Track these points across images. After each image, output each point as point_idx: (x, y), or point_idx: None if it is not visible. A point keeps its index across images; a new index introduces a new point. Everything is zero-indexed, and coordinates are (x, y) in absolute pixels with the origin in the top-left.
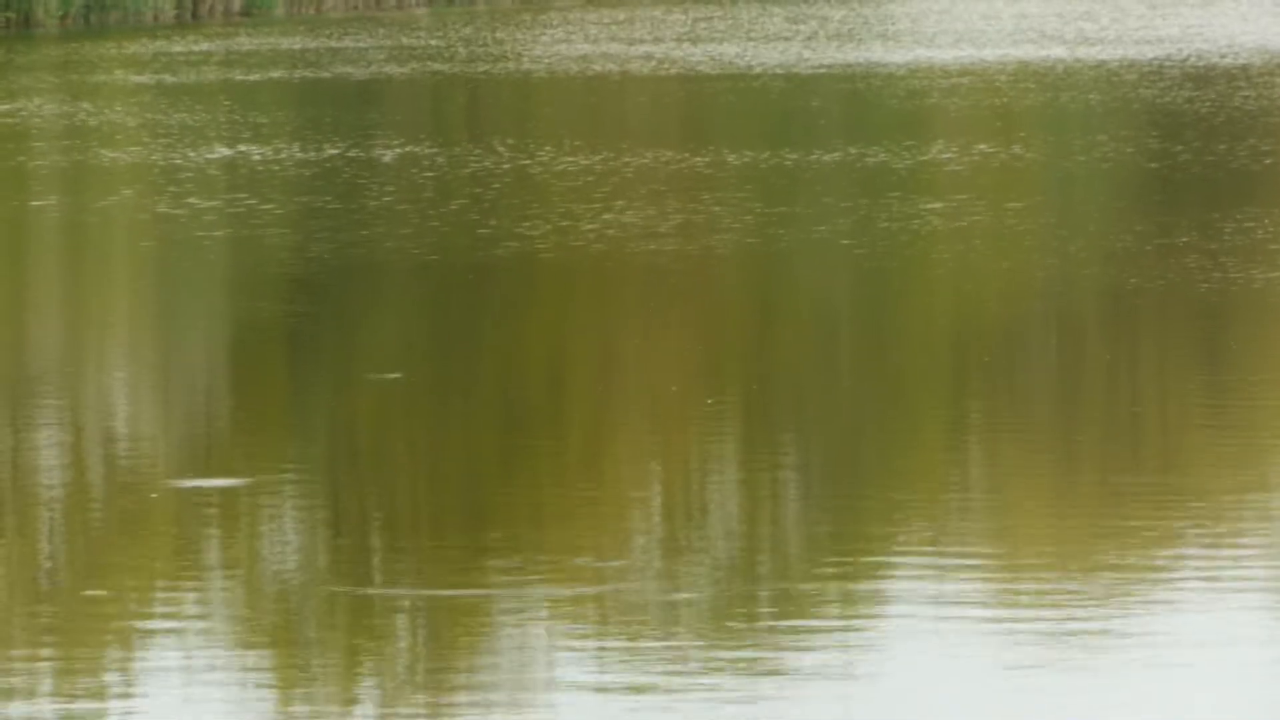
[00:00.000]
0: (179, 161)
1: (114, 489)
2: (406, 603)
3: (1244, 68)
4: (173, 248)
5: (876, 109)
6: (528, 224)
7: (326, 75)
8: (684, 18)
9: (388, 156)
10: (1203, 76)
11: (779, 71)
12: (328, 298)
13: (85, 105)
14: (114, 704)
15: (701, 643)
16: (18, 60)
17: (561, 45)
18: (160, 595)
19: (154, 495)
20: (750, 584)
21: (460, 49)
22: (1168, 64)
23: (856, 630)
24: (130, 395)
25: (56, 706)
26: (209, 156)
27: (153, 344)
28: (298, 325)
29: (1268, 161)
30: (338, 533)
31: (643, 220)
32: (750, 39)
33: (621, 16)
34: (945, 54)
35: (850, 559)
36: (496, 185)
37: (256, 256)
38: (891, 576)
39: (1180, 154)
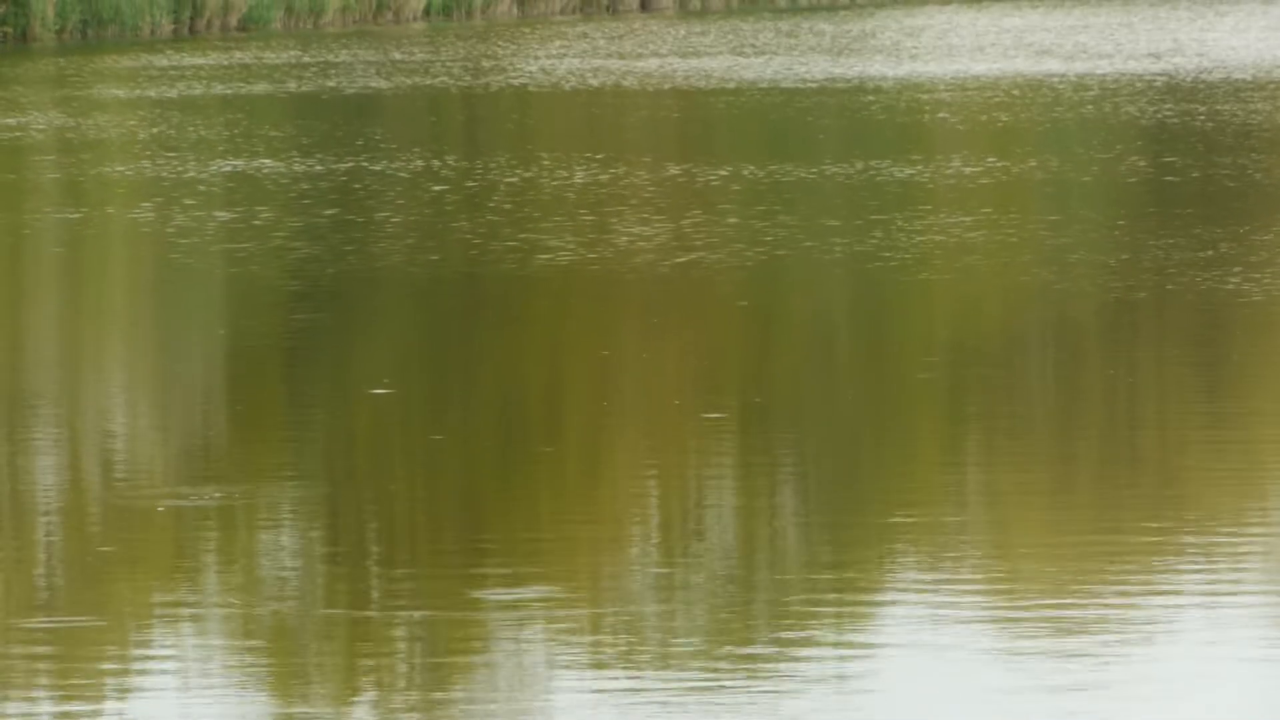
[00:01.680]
0: (191, 175)
1: (110, 502)
2: (403, 619)
3: (1239, 81)
4: (192, 260)
5: (875, 123)
6: (547, 238)
7: (328, 89)
8: (681, 32)
9: (397, 170)
10: (1199, 90)
11: (776, 86)
12: (343, 310)
13: (90, 120)
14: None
15: (699, 661)
16: (16, 74)
17: (564, 60)
18: (155, 611)
19: (158, 509)
20: (748, 600)
21: (460, 63)
22: (1164, 78)
23: (854, 646)
24: (136, 407)
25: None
26: (224, 170)
27: (175, 354)
28: (307, 339)
29: (1275, 175)
30: (335, 549)
31: (661, 234)
32: (746, 53)
33: (619, 31)
34: (941, 68)
35: (848, 575)
36: (517, 199)
37: (270, 269)
38: (889, 593)
39: (1188, 169)
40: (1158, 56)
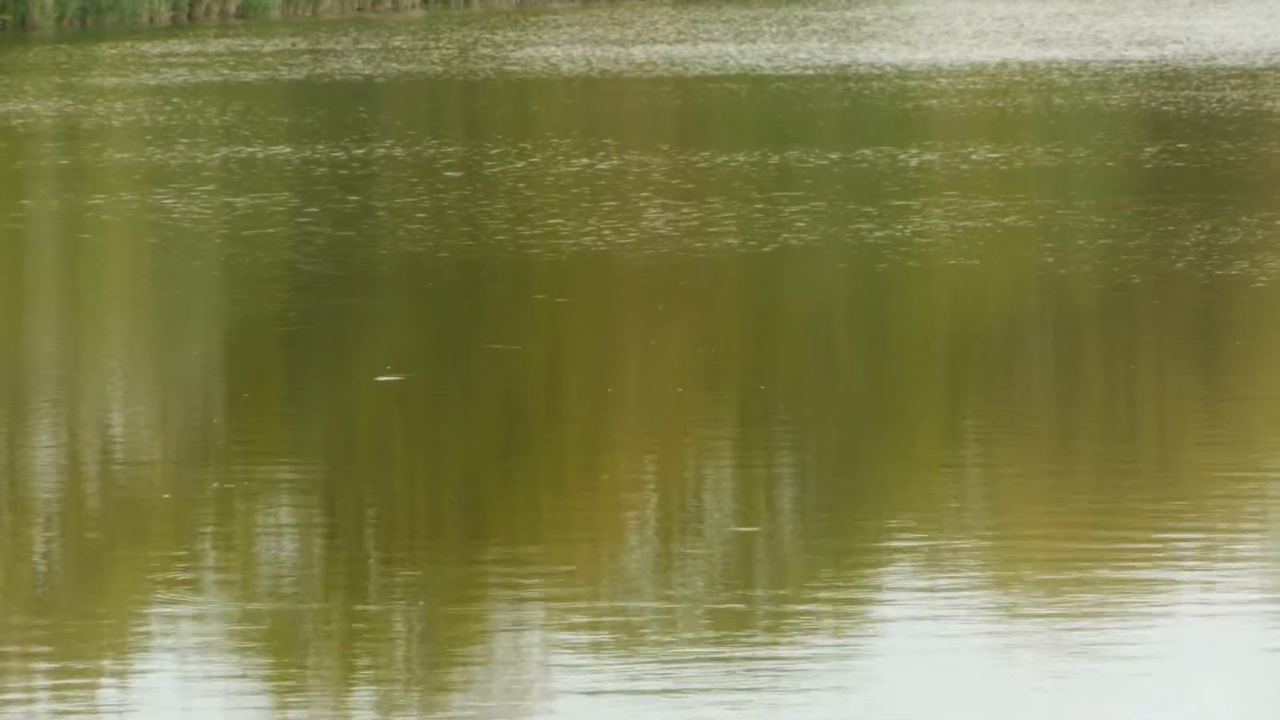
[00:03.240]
0: (200, 160)
1: (111, 491)
2: (403, 611)
3: (1238, 69)
4: (210, 246)
5: (876, 110)
6: (570, 223)
7: (327, 77)
8: (679, 19)
9: (406, 157)
10: (1198, 78)
11: (776, 73)
12: (350, 296)
13: (93, 107)
14: (108, 714)
15: (698, 653)
16: (17, 62)
17: (562, 47)
18: (155, 601)
19: (165, 496)
20: (748, 593)
21: (460, 51)
22: (1163, 65)
23: (853, 642)
24: (140, 397)
25: (51, 715)
26: (238, 155)
27: (189, 343)
28: (318, 325)
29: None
30: (335, 541)
31: (684, 220)
32: (745, 41)
33: (617, 19)
34: (940, 55)
35: (848, 569)
36: (535, 184)
37: (295, 254)
38: (889, 588)
39: (1195, 155)
40: (1155, 44)
